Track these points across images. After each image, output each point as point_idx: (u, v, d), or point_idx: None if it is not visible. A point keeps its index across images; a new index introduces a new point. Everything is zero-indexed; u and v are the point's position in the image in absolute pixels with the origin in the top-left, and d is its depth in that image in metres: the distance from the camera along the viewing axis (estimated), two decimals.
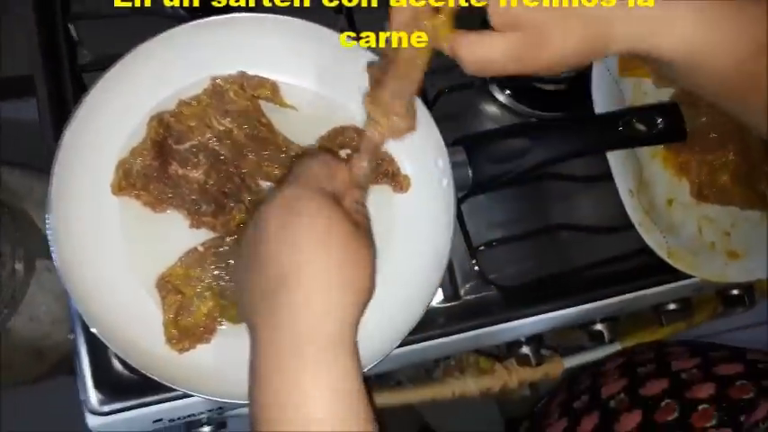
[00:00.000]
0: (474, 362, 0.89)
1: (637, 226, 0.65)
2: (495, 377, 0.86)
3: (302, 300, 0.41)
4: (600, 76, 0.68)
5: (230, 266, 0.59)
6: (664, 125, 0.60)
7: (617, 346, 0.87)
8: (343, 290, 0.42)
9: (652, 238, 0.65)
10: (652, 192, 0.69)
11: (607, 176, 0.68)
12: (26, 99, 0.68)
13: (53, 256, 0.54)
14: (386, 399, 0.82)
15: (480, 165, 0.58)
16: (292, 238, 0.42)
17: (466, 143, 0.60)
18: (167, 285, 0.58)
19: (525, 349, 0.76)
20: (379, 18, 0.60)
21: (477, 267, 0.66)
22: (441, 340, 0.66)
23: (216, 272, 0.59)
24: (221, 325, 0.59)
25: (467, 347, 0.69)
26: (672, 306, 0.81)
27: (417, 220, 0.62)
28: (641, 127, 0.60)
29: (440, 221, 0.60)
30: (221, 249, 0.59)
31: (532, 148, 0.58)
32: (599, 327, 0.79)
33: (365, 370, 0.53)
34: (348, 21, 0.70)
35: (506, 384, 0.87)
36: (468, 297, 0.69)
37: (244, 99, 0.62)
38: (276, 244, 0.42)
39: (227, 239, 0.59)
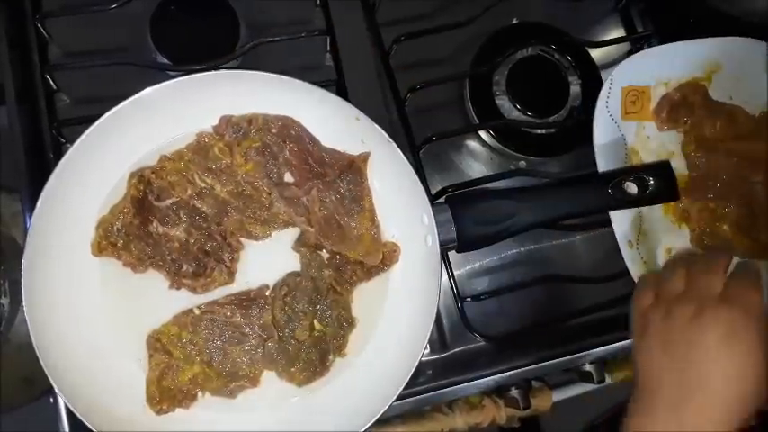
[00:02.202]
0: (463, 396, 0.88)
1: (635, 279, 0.64)
2: (485, 412, 0.85)
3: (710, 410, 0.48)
4: (601, 119, 0.66)
5: (223, 336, 0.58)
6: (655, 186, 0.59)
7: (608, 381, 0.87)
8: (743, 404, 0.48)
9: None
10: (651, 240, 0.67)
11: (604, 223, 0.67)
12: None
13: (25, 314, 0.54)
14: None
15: (466, 226, 0.57)
16: (728, 356, 0.48)
17: (451, 201, 0.59)
18: (156, 344, 0.58)
19: (514, 392, 0.75)
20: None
21: (463, 319, 0.65)
22: (429, 394, 0.65)
23: (208, 338, 0.58)
24: (202, 396, 0.58)
25: (455, 396, 0.68)
26: None
27: (405, 282, 0.61)
28: (632, 189, 0.59)
29: (427, 282, 0.59)
30: (216, 318, 0.58)
31: (519, 212, 0.57)
32: (588, 368, 0.78)
33: (364, 428, 0.54)
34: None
35: (495, 420, 0.86)
36: (456, 348, 0.68)
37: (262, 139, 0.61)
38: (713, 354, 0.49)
39: (226, 307, 0.59)
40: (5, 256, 0.91)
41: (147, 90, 0.56)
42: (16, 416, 0.93)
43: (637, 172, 0.59)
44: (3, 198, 0.97)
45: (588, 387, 0.91)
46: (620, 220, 0.65)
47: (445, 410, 0.86)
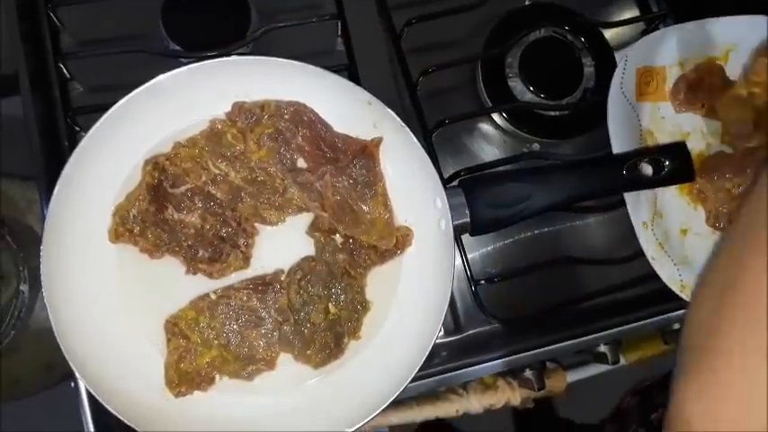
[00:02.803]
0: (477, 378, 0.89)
1: (650, 260, 0.63)
2: (499, 394, 0.86)
3: None
4: (616, 101, 0.66)
5: (240, 320, 0.59)
6: (671, 167, 0.58)
7: (622, 362, 0.87)
8: None
9: (665, 273, 0.64)
10: (666, 221, 0.67)
11: (617, 204, 0.67)
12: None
13: (45, 301, 0.54)
14: (388, 418, 0.82)
15: (479, 208, 0.57)
16: None
17: (464, 184, 0.59)
18: (174, 328, 0.59)
19: (528, 374, 0.76)
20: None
21: (477, 302, 0.65)
22: (443, 376, 0.65)
23: (225, 322, 0.59)
24: (220, 379, 0.59)
25: (469, 378, 0.69)
26: (677, 326, 0.80)
27: (418, 265, 0.61)
28: (647, 170, 0.58)
29: (440, 266, 0.59)
30: (233, 302, 0.59)
31: (534, 194, 0.57)
32: (602, 349, 0.78)
33: (379, 410, 0.54)
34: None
35: (509, 401, 0.87)
36: (470, 331, 0.69)
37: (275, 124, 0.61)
38: None
39: (242, 292, 0.59)
40: (24, 243, 0.92)
41: (160, 77, 0.56)
42: (38, 401, 0.95)
43: (652, 153, 0.59)
44: (19, 186, 0.98)
45: (602, 368, 0.92)
46: (635, 202, 0.65)
47: (459, 392, 0.87)
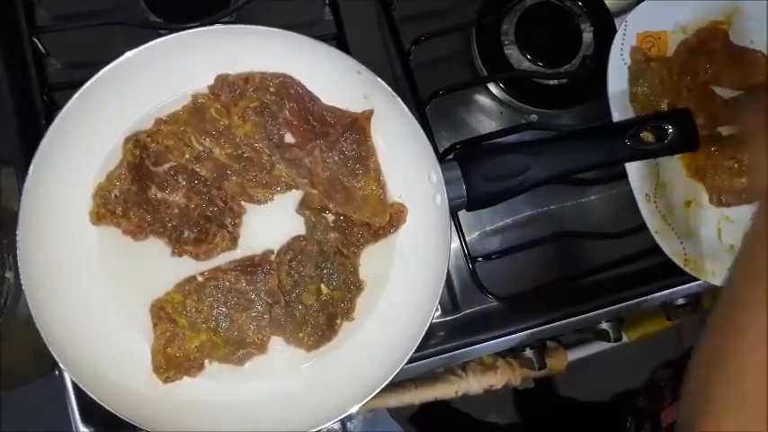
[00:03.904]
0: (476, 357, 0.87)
1: (653, 233, 0.62)
2: (499, 374, 0.84)
3: None
4: (616, 67, 0.63)
5: (229, 303, 0.57)
6: (674, 135, 0.56)
7: (624, 339, 0.85)
8: None
9: (669, 247, 0.62)
10: (670, 193, 0.65)
11: (618, 177, 0.65)
12: None
13: (23, 288, 0.52)
14: (386, 400, 0.81)
15: (476, 182, 0.55)
16: None
17: (460, 157, 0.56)
18: (160, 312, 0.57)
19: (528, 353, 0.74)
20: None
21: (475, 280, 0.63)
22: (442, 357, 0.63)
23: (214, 305, 0.57)
24: (209, 364, 0.57)
25: (468, 358, 0.67)
26: (681, 301, 0.78)
27: (413, 243, 0.59)
28: (650, 138, 0.56)
29: (436, 243, 0.57)
30: (221, 284, 0.57)
31: (532, 166, 0.54)
32: (604, 326, 0.76)
33: (375, 393, 0.52)
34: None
35: (510, 381, 0.85)
36: (468, 310, 0.67)
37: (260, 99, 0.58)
38: None
39: (230, 274, 0.57)
40: (8, 229, 0.90)
41: (135, 50, 0.53)
42: (26, 390, 0.93)
43: (654, 120, 0.56)
44: (4, 172, 0.95)
45: (604, 346, 0.90)
46: (636, 173, 0.63)
47: (458, 373, 0.85)
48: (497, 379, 0.84)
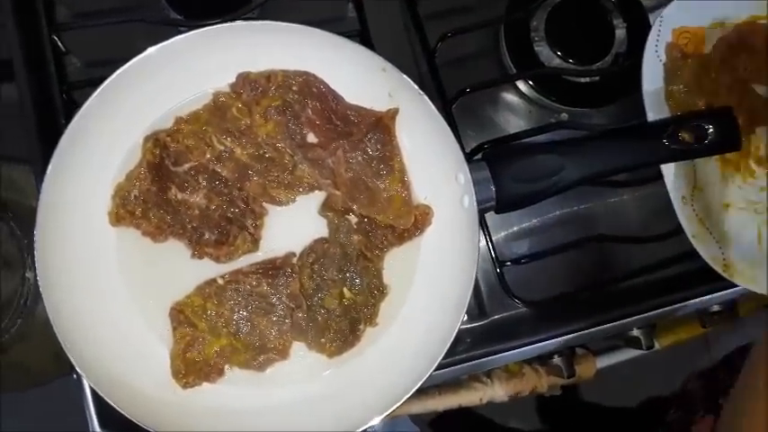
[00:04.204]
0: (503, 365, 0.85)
1: (691, 238, 0.59)
2: (525, 381, 0.82)
3: None
4: (650, 65, 0.60)
5: (250, 306, 0.55)
6: (715, 135, 0.53)
7: (656, 346, 0.82)
8: None
9: (707, 252, 0.59)
10: (708, 195, 0.62)
11: (652, 178, 0.62)
12: None
13: (40, 290, 0.51)
14: (409, 407, 0.79)
15: (505, 183, 0.53)
16: None
17: (489, 157, 0.54)
18: (179, 316, 0.55)
19: (557, 360, 0.71)
20: None
21: (503, 285, 0.60)
22: (468, 364, 0.61)
23: (234, 309, 0.55)
24: (229, 370, 0.55)
25: (495, 366, 0.65)
26: (716, 308, 0.75)
27: (439, 246, 0.57)
28: (689, 138, 0.53)
29: (464, 246, 0.55)
30: (242, 287, 0.55)
31: (565, 166, 0.52)
32: (636, 333, 0.73)
33: (399, 403, 0.51)
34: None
35: (536, 388, 0.83)
36: (496, 316, 0.64)
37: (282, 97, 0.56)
38: None
39: (251, 277, 0.55)
40: (29, 229, 0.89)
41: (156, 47, 0.52)
42: (44, 391, 0.93)
43: (695, 119, 0.54)
44: (23, 170, 0.95)
45: (634, 353, 0.87)
46: (672, 174, 0.60)
47: (483, 379, 0.83)
48: (523, 386, 0.82)
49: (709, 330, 0.81)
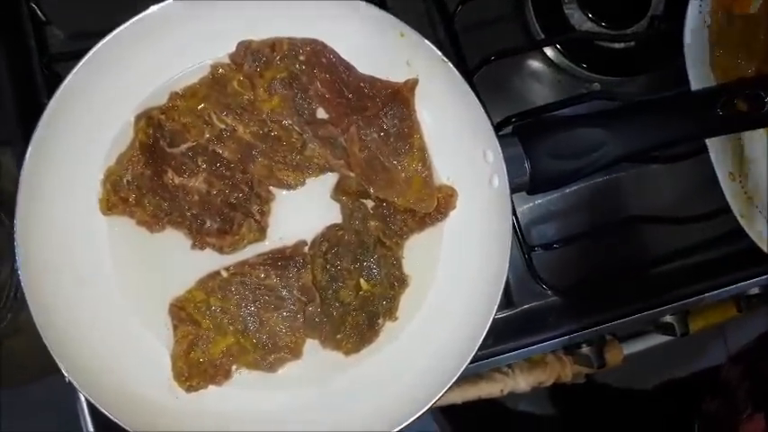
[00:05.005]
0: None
1: (738, 217, 0.54)
2: (548, 370, 0.78)
3: None
4: (694, 26, 0.55)
5: (258, 301, 0.50)
6: None
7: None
8: None
9: (754, 231, 0.55)
10: (756, 171, 0.57)
11: (693, 151, 0.57)
12: None
13: (22, 286, 0.46)
14: None
15: (540, 160, 0.48)
16: None
17: (521, 132, 0.49)
18: (180, 313, 0.51)
19: (586, 350, 0.67)
20: None
21: (531, 272, 0.56)
22: (495, 358, 0.57)
23: (241, 304, 0.51)
24: (237, 371, 0.50)
25: (522, 357, 0.60)
26: (755, 291, 0.70)
27: (465, 231, 0.52)
28: (744, 108, 0.48)
29: (493, 232, 0.50)
30: (248, 280, 0.51)
31: (608, 141, 0.47)
32: (669, 319, 0.69)
33: (426, 408, 0.47)
34: None
35: (560, 377, 0.79)
36: (524, 305, 0.59)
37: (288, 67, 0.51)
38: None
39: (259, 268, 0.51)
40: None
41: (146, 12, 0.47)
42: (43, 386, 0.88)
43: (750, 87, 0.48)
44: (7, 154, 0.90)
45: (662, 338, 0.83)
46: (718, 148, 0.55)
47: (504, 370, 0.79)
48: (547, 376, 0.78)
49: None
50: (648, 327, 0.75)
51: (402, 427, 0.47)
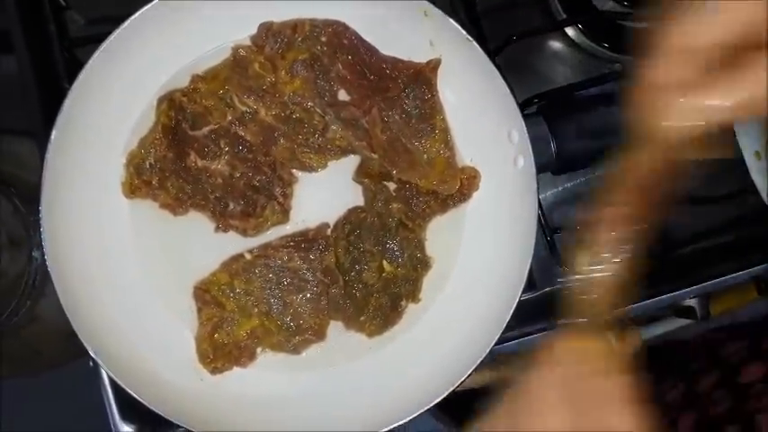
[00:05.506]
0: None
1: (765, 198, 0.53)
2: None
3: None
4: None
5: (282, 283, 0.50)
6: None
7: None
8: None
9: None
10: None
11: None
12: None
13: (49, 271, 0.46)
14: None
15: (567, 141, 0.47)
16: None
17: (546, 111, 0.48)
18: (205, 296, 0.51)
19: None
20: None
21: (554, 254, 0.55)
22: (516, 341, 0.56)
23: (265, 286, 0.51)
24: (262, 353, 0.50)
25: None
26: None
27: (488, 213, 0.51)
28: None
29: (518, 213, 0.49)
30: (272, 263, 0.50)
31: None
32: (690, 303, 0.68)
33: (451, 389, 0.47)
34: None
35: None
36: (546, 288, 0.59)
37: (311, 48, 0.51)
38: None
39: (282, 251, 0.50)
40: (34, 206, 0.85)
41: None
42: (60, 373, 0.88)
43: None
44: (28, 144, 0.90)
45: (681, 323, 0.82)
46: (745, 125, 0.54)
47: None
48: None
49: None
50: (667, 311, 0.75)
51: (427, 408, 0.47)
